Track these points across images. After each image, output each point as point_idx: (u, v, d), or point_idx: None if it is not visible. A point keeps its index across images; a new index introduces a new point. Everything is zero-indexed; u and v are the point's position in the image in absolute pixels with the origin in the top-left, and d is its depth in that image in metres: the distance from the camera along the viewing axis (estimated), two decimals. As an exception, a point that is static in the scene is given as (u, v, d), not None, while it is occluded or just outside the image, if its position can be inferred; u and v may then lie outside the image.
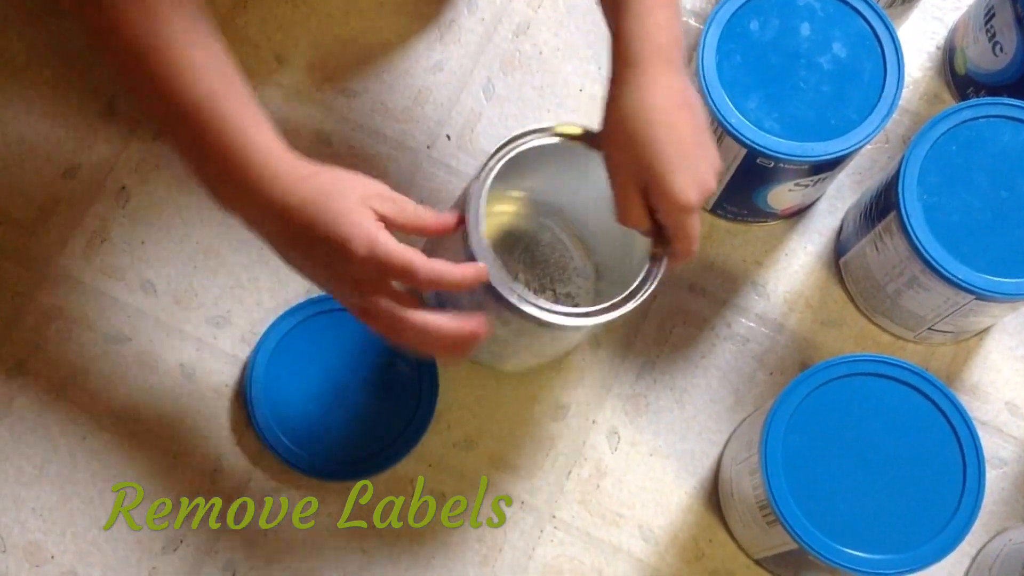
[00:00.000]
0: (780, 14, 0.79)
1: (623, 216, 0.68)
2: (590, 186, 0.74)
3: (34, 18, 0.92)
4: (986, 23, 0.86)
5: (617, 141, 0.66)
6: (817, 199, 0.90)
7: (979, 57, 0.88)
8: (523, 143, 0.71)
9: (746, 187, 0.83)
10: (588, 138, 0.71)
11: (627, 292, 0.70)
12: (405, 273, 0.63)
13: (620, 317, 0.69)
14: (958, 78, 0.91)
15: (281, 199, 0.63)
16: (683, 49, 0.66)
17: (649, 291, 0.70)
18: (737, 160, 0.79)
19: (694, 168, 0.66)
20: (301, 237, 0.64)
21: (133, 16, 0.63)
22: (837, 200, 0.91)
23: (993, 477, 0.85)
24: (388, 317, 0.64)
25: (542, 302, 0.68)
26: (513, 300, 0.68)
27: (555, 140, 0.71)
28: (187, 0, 0.65)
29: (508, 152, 0.71)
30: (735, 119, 0.77)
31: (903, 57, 0.78)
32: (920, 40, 0.94)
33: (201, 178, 0.66)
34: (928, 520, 0.72)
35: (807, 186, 0.82)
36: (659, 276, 0.70)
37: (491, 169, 0.70)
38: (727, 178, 0.82)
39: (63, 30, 0.92)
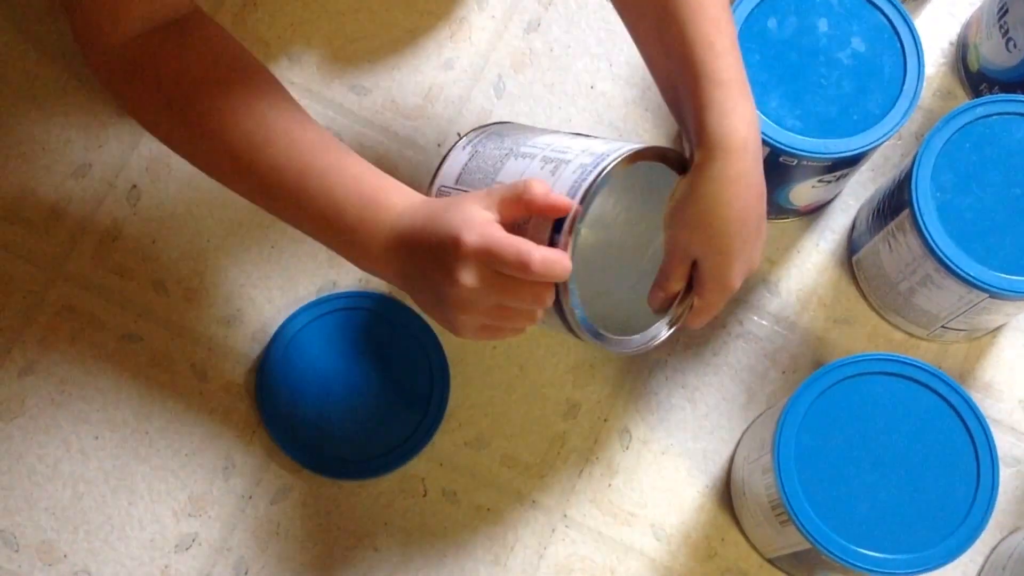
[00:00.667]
0: (797, 11, 0.78)
1: (664, 284, 0.68)
2: (627, 215, 0.73)
3: (44, 16, 0.92)
4: (999, 19, 0.85)
5: (689, 222, 0.66)
6: (836, 195, 0.89)
7: (992, 53, 0.87)
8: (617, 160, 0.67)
9: (769, 185, 0.81)
10: (674, 163, 0.68)
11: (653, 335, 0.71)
12: (519, 262, 0.60)
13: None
14: (971, 74, 0.91)
15: (405, 224, 0.65)
16: (758, 137, 0.66)
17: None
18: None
19: (749, 253, 0.67)
20: (417, 253, 0.64)
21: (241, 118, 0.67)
22: (849, 197, 0.90)
23: (1006, 476, 0.85)
24: (514, 312, 0.63)
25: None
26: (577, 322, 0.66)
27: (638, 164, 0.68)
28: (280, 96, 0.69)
29: (614, 162, 0.66)
30: None
31: (923, 50, 0.78)
32: (933, 35, 0.93)
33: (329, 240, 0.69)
34: (942, 519, 0.72)
35: (829, 182, 0.82)
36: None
37: (605, 170, 0.65)
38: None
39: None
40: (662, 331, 0.70)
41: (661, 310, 0.70)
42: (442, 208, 0.64)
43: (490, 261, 0.61)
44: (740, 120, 0.64)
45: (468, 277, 0.61)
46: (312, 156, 0.68)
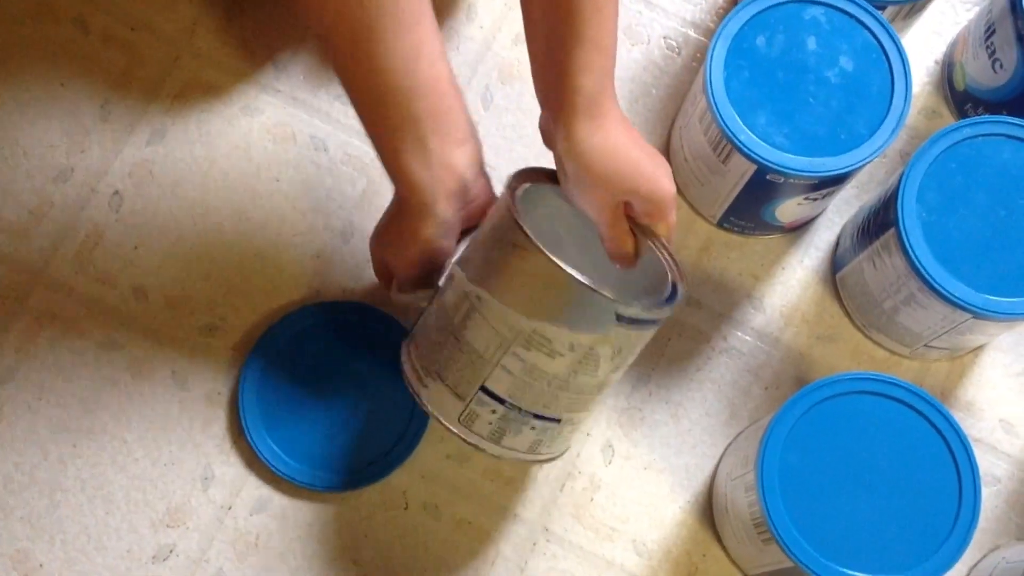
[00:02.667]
0: (786, 29, 0.78)
1: (619, 245, 0.71)
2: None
3: (28, 20, 0.91)
4: (986, 39, 0.86)
5: (595, 179, 0.68)
6: (821, 212, 0.89)
7: (979, 73, 0.87)
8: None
9: (755, 202, 0.82)
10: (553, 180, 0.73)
11: (667, 280, 0.72)
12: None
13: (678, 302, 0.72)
14: (957, 93, 0.91)
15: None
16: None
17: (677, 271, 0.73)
18: (746, 176, 0.79)
19: (663, 165, 0.70)
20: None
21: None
22: (834, 214, 0.91)
23: (986, 495, 0.85)
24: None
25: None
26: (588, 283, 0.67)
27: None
28: None
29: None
30: (744, 136, 0.77)
31: (910, 69, 0.78)
32: (919, 54, 0.94)
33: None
34: (924, 539, 0.72)
35: (815, 200, 0.82)
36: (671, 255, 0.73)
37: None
38: (736, 193, 0.82)
39: (58, 33, 0.91)
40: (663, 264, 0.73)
41: (631, 266, 0.72)
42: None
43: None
44: (602, 72, 0.68)
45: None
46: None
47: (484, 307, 0.68)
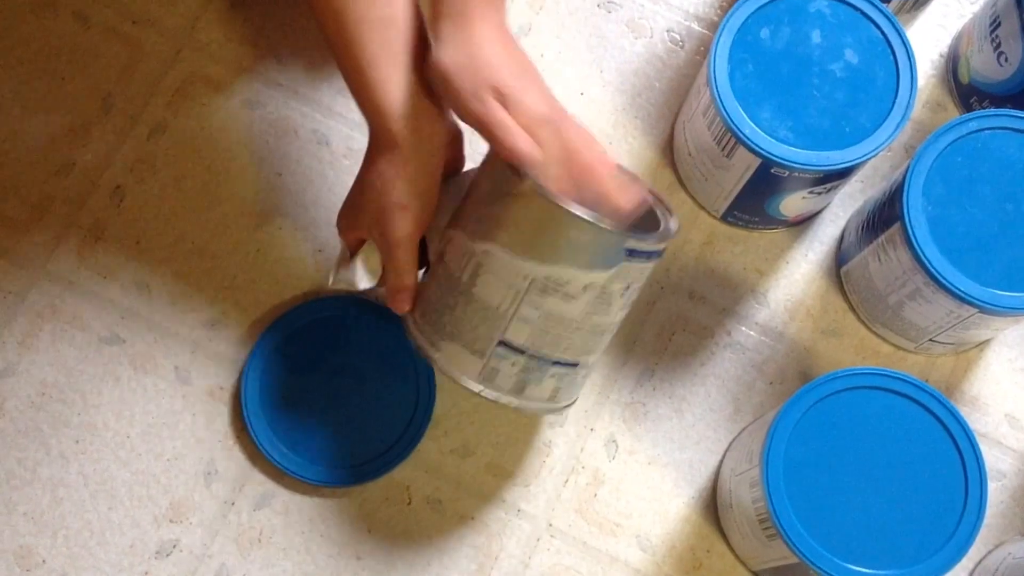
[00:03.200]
0: (791, 22, 0.78)
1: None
2: None
3: (29, 14, 0.91)
4: (991, 32, 0.85)
5: (459, 84, 0.67)
6: (826, 206, 0.89)
7: (983, 66, 0.87)
8: None
9: (759, 196, 0.82)
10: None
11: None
12: (398, 282, 0.74)
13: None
14: (962, 87, 0.91)
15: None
16: None
17: None
18: (751, 170, 0.78)
19: (540, 84, 0.69)
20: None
21: None
22: (838, 208, 0.90)
23: (992, 490, 0.84)
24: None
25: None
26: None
27: None
28: None
29: None
30: (749, 129, 0.76)
31: (915, 62, 0.78)
32: (924, 47, 0.93)
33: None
34: (930, 534, 0.72)
35: (819, 194, 0.82)
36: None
37: None
38: (740, 187, 0.81)
39: (59, 26, 0.91)
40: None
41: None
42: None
43: (387, 256, 0.73)
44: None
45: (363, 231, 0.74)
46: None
47: (492, 261, 0.68)
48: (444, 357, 0.72)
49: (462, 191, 0.73)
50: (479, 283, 0.69)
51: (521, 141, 0.66)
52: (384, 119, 0.70)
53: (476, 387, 0.72)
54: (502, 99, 0.66)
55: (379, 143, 0.71)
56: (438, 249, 0.73)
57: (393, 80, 0.69)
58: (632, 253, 0.68)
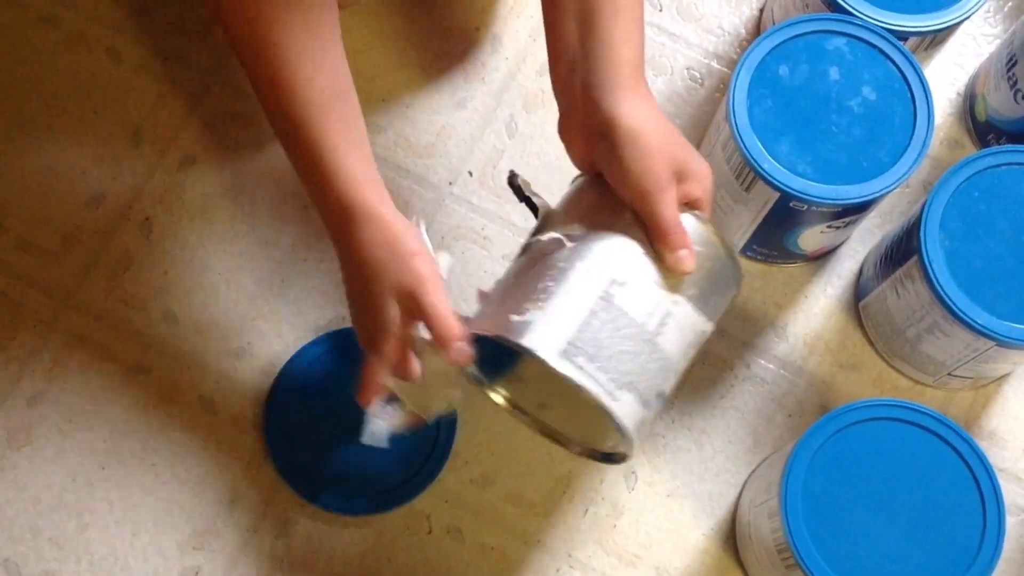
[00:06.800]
0: (809, 59, 0.79)
1: (675, 223, 0.66)
2: None
3: (64, 50, 0.93)
4: (1008, 70, 0.86)
5: (651, 146, 0.66)
6: (844, 240, 0.90)
7: (1000, 104, 0.88)
8: None
9: (778, 230, 0.83)
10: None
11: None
12: (443, 331, 0.67)
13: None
14: (979, 124, 0.92)
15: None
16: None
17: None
18: (769, 204, 0.79)
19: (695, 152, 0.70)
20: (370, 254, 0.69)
21: (250, 15, 0.67)
22: (857, 244, 0.91)
23: (1010, 524, 0.85)
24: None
25: None
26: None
27: None
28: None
29: None
30: (767, 164, 0.77)
31: (932, 99, 0.79)
32: (941, 86, 0.94)
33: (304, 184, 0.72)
34: (947, 567, 0.72)
35: (838, 228, 0.83)
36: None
37: None
38: (759, 221, 0.82)
39: (92, 62, 0.93)
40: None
41: (686, 263, 0.67)
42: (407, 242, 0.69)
43: (420, 308, 0.67)
44: (633, 47, 0.68)
45: (392, 307, 0.68)
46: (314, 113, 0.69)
47: (681, 313, 0.66)
48: (623, 409, 0.64)
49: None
50: (665, 333, 0.65)
51: (679, 220, 0.67)
52: (355, 186, 0.69)
53: (637, 441, 0.66)
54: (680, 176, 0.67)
55: (352, 215, 0.69)
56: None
57: (351, 152, 0.69)
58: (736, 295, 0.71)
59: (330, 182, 0.69)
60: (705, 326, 0.68)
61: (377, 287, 0.68)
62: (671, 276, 0.66)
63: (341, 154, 0.69)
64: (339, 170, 0.69)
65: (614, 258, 0.66)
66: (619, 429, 0.65)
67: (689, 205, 0.68)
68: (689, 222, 0.67)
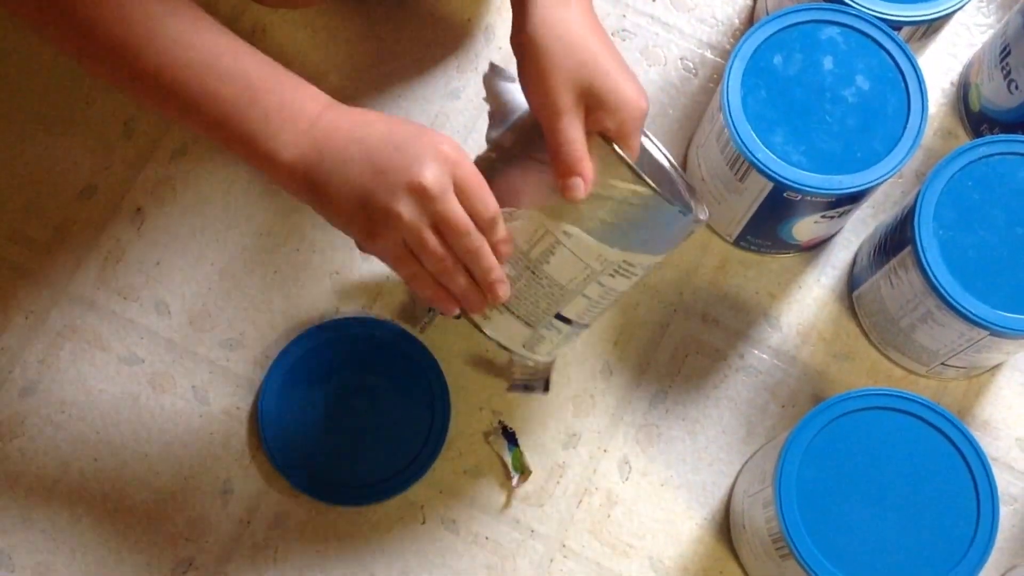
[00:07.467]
0: (803, 49, 0.79)
1: (571, 152, 0.64)
2: None
3: (54, 38, 0.93)
4: (1001, 60, 0.86)
5: (552, 61, 0.63)
6: (838, 231, 0.90)
7: (994, 94, 0.88)
8: None
9: (772, 220, 0.83)
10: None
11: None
12: (488, 211, 0.64)
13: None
14: (972, 114, 0.92)
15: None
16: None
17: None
18: (764, 194, 0.79)
19: (634, 77, 0.66)
20: (354, 156, 0.64)
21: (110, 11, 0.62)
22: (850, 234, 0.91)
23: (1004, 513, 0.85)
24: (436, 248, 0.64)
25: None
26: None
27: None
28: None
29: None
30: (761, 153, 0.77)
31: (926, 89, 0.79)
32: (935, 76, 0.94)
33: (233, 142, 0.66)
34: (941, 556, 0.72)
35: (832, 218, 0.83)
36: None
37: None
38: (753, 211, 0.82)
39: (82, 51, 0.92)
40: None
41: (577, 194, 0.66)
42: (408, 124, 0.65)
43: (466, 187, 0.63)
44: None
45: (410, 205, 0.62)
46: (209, 57, 0.64)
47: (573, 242, 0.68)
48: (494, 326, 0.70)
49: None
50: (551, 261, 0.69)
51: (582, 154, 0.64)
52: (311, 93, 0.65)
53: (518, 354, 0.72)
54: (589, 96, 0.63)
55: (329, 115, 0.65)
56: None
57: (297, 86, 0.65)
58: (692, 231, 0.71)
59: (287, 105, 0.64)
60: (615, 256, 0.68)
61: (393, 177, 0.63)
62: (568, 205, 0.67)
63: (275, 73, 0.64)
64: (282, 84, 0.64)
65: (518, 185, 0.68)
66: (492, 340, 0.70)
67: (605, 137, 0.65)
68: (603, 151, 0.66)
